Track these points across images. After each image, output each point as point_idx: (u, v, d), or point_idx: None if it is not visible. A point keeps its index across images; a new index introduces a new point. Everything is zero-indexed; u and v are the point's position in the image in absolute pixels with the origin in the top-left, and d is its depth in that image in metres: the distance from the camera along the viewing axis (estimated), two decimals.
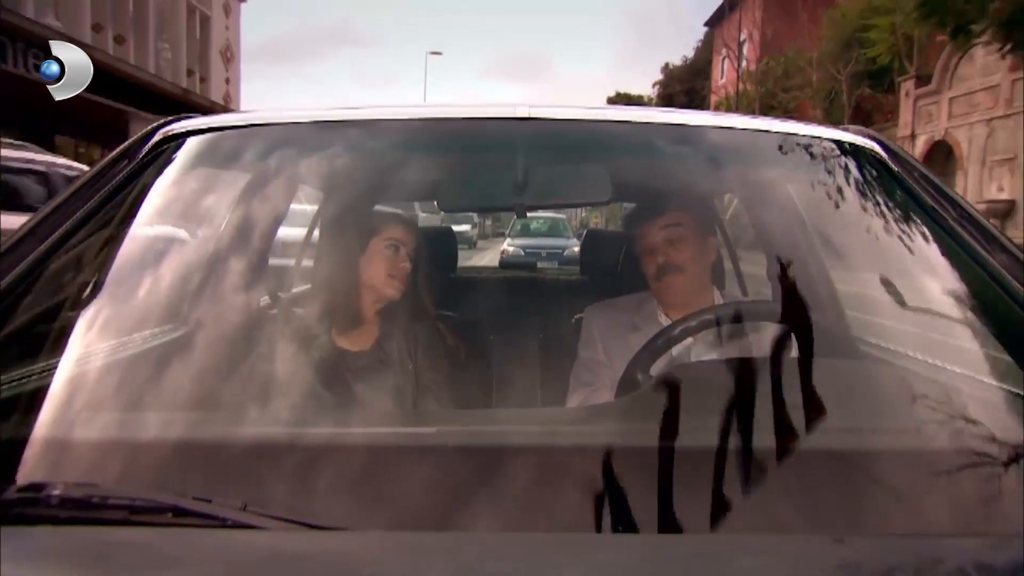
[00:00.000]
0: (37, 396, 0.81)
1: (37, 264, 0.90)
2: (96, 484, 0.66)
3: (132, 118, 12.47)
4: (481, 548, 0.60)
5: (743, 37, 26.89)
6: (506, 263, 10.87)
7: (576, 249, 12.03)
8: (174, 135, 1.13)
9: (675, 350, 1.25)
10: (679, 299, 1.45)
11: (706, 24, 32.81)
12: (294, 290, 2.04)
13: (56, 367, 0.86)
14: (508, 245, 12.14)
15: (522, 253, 11.56)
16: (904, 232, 1.10)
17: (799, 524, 0.66)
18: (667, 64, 36.94)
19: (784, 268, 1.76)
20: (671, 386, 0.99)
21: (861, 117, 18.80)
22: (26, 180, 6.32)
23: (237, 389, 1.08)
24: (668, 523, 0.66)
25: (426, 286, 1.55)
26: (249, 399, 1.05)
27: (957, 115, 16.55)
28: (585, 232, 2.93)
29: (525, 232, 12.60)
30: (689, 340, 1.33)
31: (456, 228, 3.95)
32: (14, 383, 0.81)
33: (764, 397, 0.88)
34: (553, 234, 12.60)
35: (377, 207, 1.69)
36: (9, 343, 0.84)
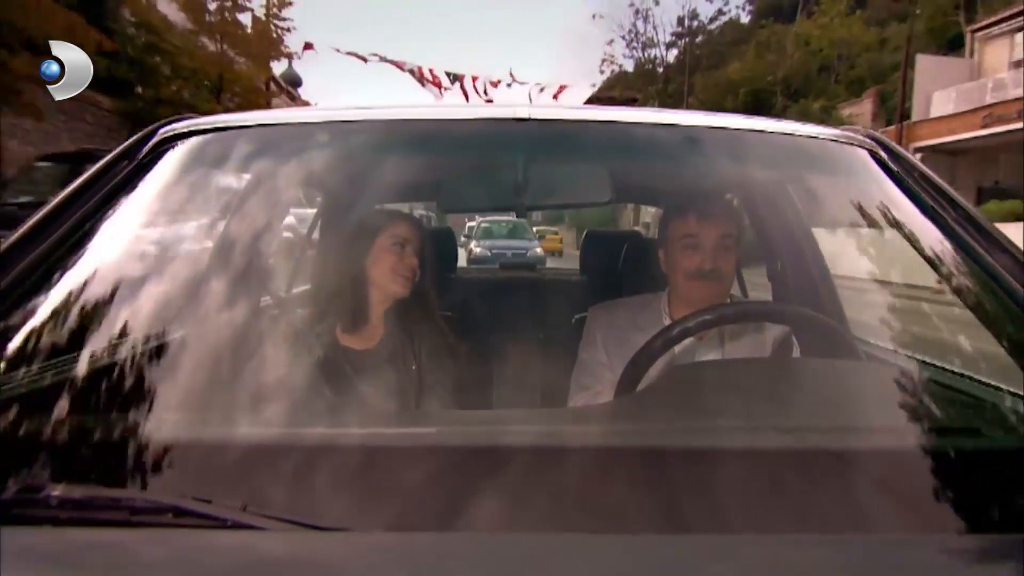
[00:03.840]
0: (37, 396, 0.81)
1: (37, 264, 0.90)
2: (96, 484, 0.66)
3: None
4: (482, 548, 0.60)
5: None
6: (474, 261, 11.57)
7: (539, 250, 12.69)
8: (174, 135, 1.13)
9: (679, 350, 1.25)
10: (705, 304, 1.41)
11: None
12: (295, 290, 2.04)
13: (57, 367, 0.86)
14: (475, 246, 12.79)
15: (488, 253, 12.27)
16: (904, 232, 1.10)
17: (799, 524, 0.66)
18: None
19: (784, 268, 1.76)
20: (670, 386, 0.99)
21: None
22: None
23: (239, 389, 1.08)
24: (668, 523, 0.66)
25: (429, 286, 1.55)
26: (250, 399, 1.05)
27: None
28: (585, 232, 2.92)
29: (488, 235, 13.36)
30: (690, 340, 1.33)
31: None
32: (14, 383, 0.81)
33: (764, 397, 0.88)
34: (514, 236, 13.28)
35: (379, 206, 1.69)
36: (9, 343, 0.84)
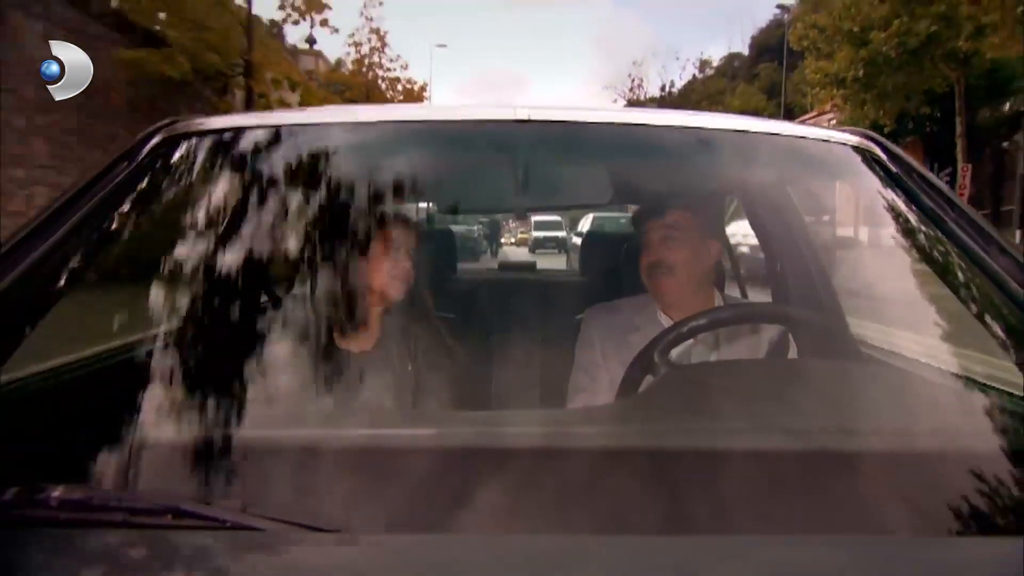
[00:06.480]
0: (37, 396, 0.81)
1: (37, 264, 0.90)
2: (96, 485, 0.66)
3: None
4: (481, 550, 0.60)
5: None
6: (534, 243, 19.55)
7: (560, 234, 18.71)
8: (175, 136, 1.13)
9: (675, 352, 1.25)
10: (671, 299, 1.46)
11: None
12: (294, 291, 2.04)
13: (57, 367, 0.86)
14: (536, 233, 20.19)
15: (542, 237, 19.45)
16: (903, 233, 1.10)
17: (799, 524, 0.66)
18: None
19: (784, 269, 1.76)
20: (669, 387, 0.99)
21: None
22: None
23: (237, 390, 1.07)
24: (668, 524, 0.66)
25: (427, 287, 1.55)
26: (249, 400, 1.05)
27: None
28: (585, 233, 2.92)
29: (540, 228, 20.30)
30: (689, 341, 1.33)
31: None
32: (14, 383, 0.81)
33: (763, 398, 0.88)
34: (552, 229, 19.91)
35: (375, 207, 1.68)
36: (9, 343, 0.84)
